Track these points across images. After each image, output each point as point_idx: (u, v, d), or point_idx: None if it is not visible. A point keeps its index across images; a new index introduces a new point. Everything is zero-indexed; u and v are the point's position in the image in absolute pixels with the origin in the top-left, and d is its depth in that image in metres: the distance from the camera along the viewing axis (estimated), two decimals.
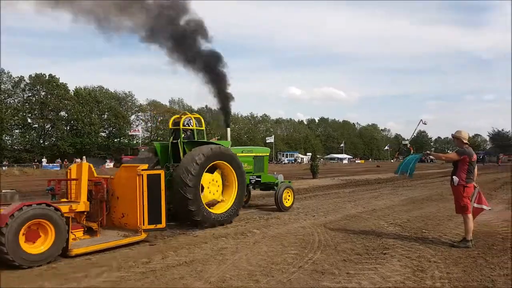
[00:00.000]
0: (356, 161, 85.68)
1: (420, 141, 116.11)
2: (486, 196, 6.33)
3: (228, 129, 9.28)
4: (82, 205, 5.47)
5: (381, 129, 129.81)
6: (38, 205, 4.54)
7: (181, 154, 7.27)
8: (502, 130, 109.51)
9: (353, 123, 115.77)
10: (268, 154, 9.37)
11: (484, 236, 6.33)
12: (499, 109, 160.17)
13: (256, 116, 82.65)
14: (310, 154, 72.48)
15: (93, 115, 53.35)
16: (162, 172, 5.70)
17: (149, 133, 61.09)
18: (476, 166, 5.79)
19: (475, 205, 5.77)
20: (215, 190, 7.15)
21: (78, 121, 51.68)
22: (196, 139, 7.54)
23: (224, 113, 9.32)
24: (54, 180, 6.03)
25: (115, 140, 56.45)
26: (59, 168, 36.74)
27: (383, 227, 7.18)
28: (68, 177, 5.91)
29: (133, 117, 61.29)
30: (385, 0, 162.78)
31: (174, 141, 7.51)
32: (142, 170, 5.47)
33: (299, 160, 66.37)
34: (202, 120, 7.83)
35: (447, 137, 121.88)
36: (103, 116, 56.02)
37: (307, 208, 9.49)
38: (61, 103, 50.69)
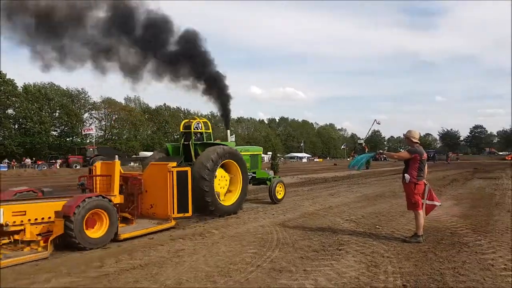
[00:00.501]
0: (315, 160, 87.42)
1: (375, 140, 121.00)
2: (436, 193, 6.62)
3: (228, 131, 10.60)
4: (118, 198, 6.38)
5: (338, 129, 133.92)
6: (96, 197, 5.49)
7: (192, 154, 8.48)
8: (451, 130, 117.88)
9: (312, 123, 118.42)
10: (261, 152, 10.38)
11: (434, 231, 6.59)
12: (448, 110, 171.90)
13: (217, 115, 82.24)
14: (270, 153, 73.58)
15: (44, 113, 50.96)
16: (189, 169, 6.87)
17: (103, 131, 59.39)
18: (426, 164, 6.01)
19: (427, 202, 5.98)
20: (224, 185, 8.34)
21: (27, 119, 48.93)
22: (205, 141, 8.76)
23: (225, 117, 10.45)
24: (84, 176, 7.03)
25: (67, 139, 54.11)
26: (6, 169, 34.02)
27: (339, 224, 7.29)
28: (94, 173, 6.89)
29: (86, 115, 58.56)
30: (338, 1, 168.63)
31: (185, 142, 8.71)
32: (172, 167, 6.66)
33: None
34: (209, 124, 9.11)
35: (399, 137, 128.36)
36: (54, 114, 53.72)
37: (267, 207, 9.49)
38: (8, 100, 47.87)
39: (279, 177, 10.61)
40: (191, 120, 8.87)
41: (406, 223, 7.32)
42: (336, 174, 24.48)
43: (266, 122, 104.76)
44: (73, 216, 5.16)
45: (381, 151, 8.21)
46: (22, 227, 5.13)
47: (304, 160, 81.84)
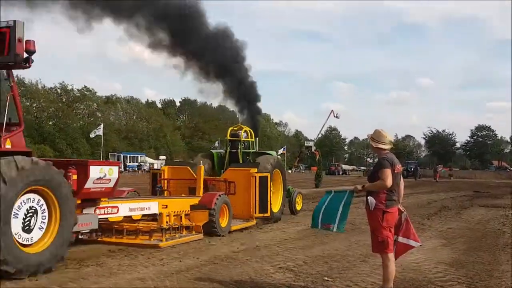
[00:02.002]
0: None
1: (330, 143, 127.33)
2: (415, 226, 7.04)
3: (257, 138, 16.37)
4: (196, 199, 11.37)
5: (276, 123, 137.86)
6: (223, 195, 11.34)
7: (241, 160, 14.60)
8: (443, 131, 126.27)
9: (233, 111, 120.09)
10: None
11: (411, 285, 6.99)
12: (439, 100, 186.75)
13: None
14: (164, 157, 72.65)
15: None
16: (268, 174, 12.88)
17: None
18: (402, 181, 6.36)
19: (400, 239, 6.28)
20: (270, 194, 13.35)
21: None
22: (251, 150, 15.24)
23: (255, 128, 16.50)
24: (162, 179, 13.10)
25: None
26: None
27: (268, 275, 7.46)
28: (163, 177, 13.22)
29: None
30: None
31: (233, 150, 14.79)
32: (255, 172, 12.43)
33: (146, 167, 65.67)
34: (252, 133, 15.44)
35: (366, 139, 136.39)
36: None
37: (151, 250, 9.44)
38: None
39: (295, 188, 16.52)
40: (236, 128, 15.46)
41: (369, 272, 7.70)
42: None
43: (159, 105, 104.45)
44: (214, 208, 10.78)
45: (358, 186, 8.33)
46: (167, 217, 9.99)
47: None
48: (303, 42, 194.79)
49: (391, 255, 6.12)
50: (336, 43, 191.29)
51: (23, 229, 6.92)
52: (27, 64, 7.45)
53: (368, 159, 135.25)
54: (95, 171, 8.48)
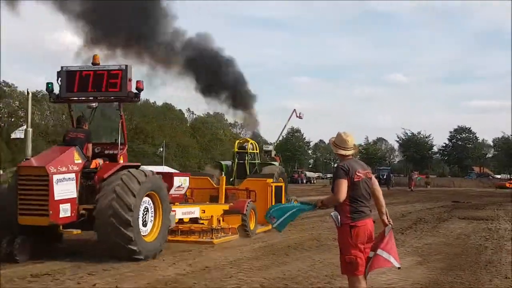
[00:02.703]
0: None
1: (292, 147, 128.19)
2: None
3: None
4: (226, 206, 14.80)
5: (229, 123, 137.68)
6: (251, 202, 15.11)
7: (248, 171, 18.69)
8: (419, 133, 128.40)
9: (180, 110, 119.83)
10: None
11: None
12: (414, 98, 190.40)
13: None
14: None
15: None
16: (283, 184, 17.79)
17: None
18: (377, 189, 6.39)
19: (380, 251, 6.23)
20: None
21: None
22: (257, 161, 19.81)
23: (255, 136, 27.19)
24: (191, 188, 14.86)
25: None
26: None
27: None
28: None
29: None
30: None
31: (240, 161, 18.93)
32: (271, 182, 16.34)
33: None
34: (257, 145, 19.92)
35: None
36: None
37: (78, 268, 9.30)
38: None
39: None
40: (242, 142, 20.68)
41: None
42: None
43: None
44: (245, 213, 14.18)
45: (321, 202, 9.25)
46: (203, 220, 13.49)
47: None
48: (259, 31, 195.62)
49: (362, 279, 6.08)
50: (297, 33, 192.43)
51: (142, 224, 10.53)
52: (137, 99, 11.29)
53: (336, 165, 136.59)
54: (177, 181, 12.50)
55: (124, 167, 10.60)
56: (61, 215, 9.82)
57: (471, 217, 22.00)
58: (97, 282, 8.41)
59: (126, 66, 10.92)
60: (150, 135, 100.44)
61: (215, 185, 16.25)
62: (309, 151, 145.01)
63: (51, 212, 9.66)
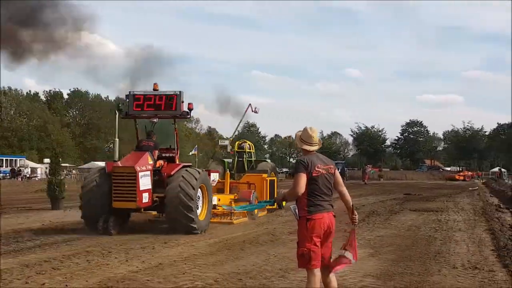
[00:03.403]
0: None
1: (250, 141, 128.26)
2: (342, 235, 7.18)
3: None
4: (232, 195, 18.25)
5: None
6: (254, 192, 18.82)
7: (246, 167, 23.01)
8: (372, 127, 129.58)
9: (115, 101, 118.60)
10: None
11: None
12: (368, 92, 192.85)
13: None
14: (48, 160, 70.50)
15: None
16: (275, 178, 22.42)
17: None
18: (340, 183, 6.51)
19: (343, 252, 6.38)
20: None
21: None
22: (253, 158, 24.10)
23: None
24: None
25: None
26: None
27: None
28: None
29: None
30: None
31: (240, 159, 23.25)
32: (267, 177, 21.11)
33: (27, 173, 63.54)
34: (253, 145, 24.66)
35: (290, 137, 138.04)
36: None
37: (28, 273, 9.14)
38: None
39: None
40: (240, 142, 24.09)
41: None
42: None
43: (43, 98, 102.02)
44: (251, 200, 17.73)
45: (281, 196, 10.39)
46: (218, 207, 16.32)
47: None
48: (216, 26, 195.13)
49: (316, 272, 6.16)
50: (254, 30, 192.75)
51: (196, 207, 14.08)
52: (188, 117, 15.71)
53: (292, 159, 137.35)
54: (212, 176, 16.71)
55: (183, 166, 14.61)
56: (143, 201, 13.70)
57: (421, 209, 22.48)
58: (45, 281, 8.30)
59: (180, 91, 14.99)
60: (102, 131, 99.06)
61: (220, 180, 19.16)
62: (265, 146, 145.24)
63: (137, 198, 13.51)
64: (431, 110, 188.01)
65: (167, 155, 15.60)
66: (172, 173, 14.28)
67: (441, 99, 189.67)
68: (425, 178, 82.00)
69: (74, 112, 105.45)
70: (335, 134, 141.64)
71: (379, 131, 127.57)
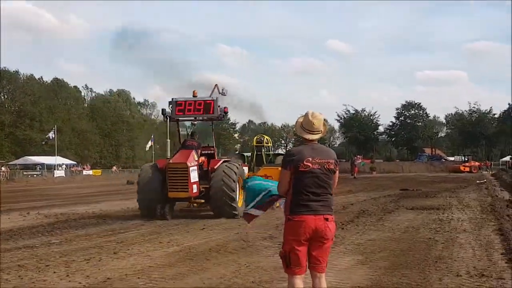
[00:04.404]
0: (86, 171, 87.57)
1: (215, 129, 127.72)
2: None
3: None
4: None
5: (138, 103, 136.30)
6: None
7: (265, 160, 29.52)
8: (363, 110, 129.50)
9: (75, 87, 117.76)
10: None
11: None
12: (355, 68, 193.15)
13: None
14: None
15: None
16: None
17: None
18: (333, 180, 6.59)
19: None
20: None
21: None
22: (270, 152, 32.27)
23: None
24: None
25: None
26: None
27: None
28: None
29: None
30: None
31: (258, 152, 30.37)
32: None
33: None
34: (270, 139, 32.90)
35: (264, 123, 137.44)
36: None
37: None
38: None
39: None
40: (259, 137, 31.99)
41: None
42: (130, 204, 25.28)
43: None
44: None
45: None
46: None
47: (59, 172, 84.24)
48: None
49: (297, 280, 6.31)
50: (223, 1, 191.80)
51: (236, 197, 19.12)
52: (224, 119, 22.14)
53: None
54: (244, 170, 21.88)
55: (224, 161, 19.97)
56: (193, 191, 18.89)
57: (420, 207, 22.69)
58: None
59: (217, 98, 20.89)
60: (37, 119, 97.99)
61: None
62: (235, 135, 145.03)
63: (189, 189, 18.69)
64: (430, 89, 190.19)
65: (207, 152, 21.06)
66: (215, 167, 19.62)
67: (441, 76, 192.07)
68: (425, 170, 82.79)
69: (2, 97, 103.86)
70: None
71: (371, 115, 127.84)
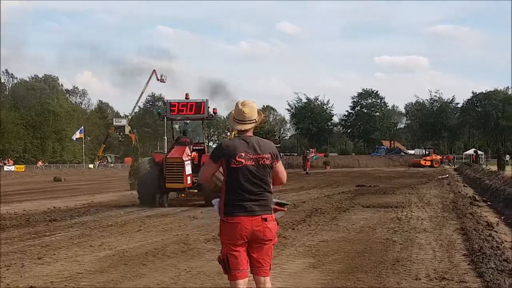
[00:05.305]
0: (8, 166, 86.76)
1: (153, 120, 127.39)
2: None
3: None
4: None
5: (66, 90, 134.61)
6: None
7: None
8: (316, 99, 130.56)
9: None
10: None
11: None
12: (306, 52, 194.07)
13: None
14: None
15: None
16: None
17: None
18: (282, 178, 6.69)
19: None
20: None
21: None
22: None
23: None
24: None
25: None
26: None
27: None
28: None
29: None
30: None
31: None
32: None
33: None
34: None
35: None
36: None
37: None
38: None
39: None
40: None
41: None
42: (56, 203, 25.05)
43: None
44: None
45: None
46: None
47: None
48: None
49: (239, 285, 6.34)
50: None
51: None
52: (213, 119, 28.00)
53: (211, 143, 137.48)
54: None
55: None
56: (188, 182, 22.67)
57: (377, 204, 23.02)
58: None
59: (207, 99, 25.14)
60: None
61: None
62: (176, 126, 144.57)
63: (184, 180, 22.49)
64: (389, 76, 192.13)
65: (198, 147, 25.08)
66: (203, 162, 22.04)
67: (400, 62, 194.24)
68: (383, 164, 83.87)
69: None
70: (267, 108, 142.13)
71: (324, 104, 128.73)
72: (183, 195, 25.82)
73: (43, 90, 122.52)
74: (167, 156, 23.46)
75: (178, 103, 25.38)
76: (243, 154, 6.35)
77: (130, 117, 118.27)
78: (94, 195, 31.74)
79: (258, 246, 6.39)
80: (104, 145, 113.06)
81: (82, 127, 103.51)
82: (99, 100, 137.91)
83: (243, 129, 6.53)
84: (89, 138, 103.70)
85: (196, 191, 23.90)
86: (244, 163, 6.35)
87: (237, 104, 6.66)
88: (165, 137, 28.88)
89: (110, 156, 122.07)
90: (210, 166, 6.58)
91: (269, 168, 6.48)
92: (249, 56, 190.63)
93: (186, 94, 25.68)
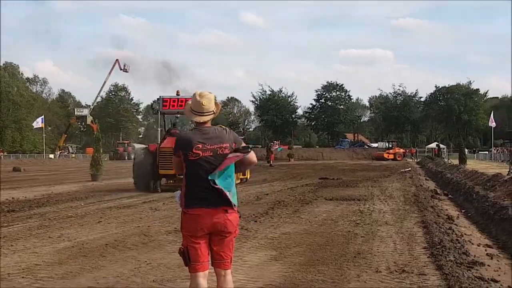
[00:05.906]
0: None
1: (115, 110, 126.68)
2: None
3: None
4: None
5: (27, 78, 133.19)
6: None
7: None
8: (280, 91, 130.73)
9: None
10: None
11: None
12: (269, 43, 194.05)
13: None
14: None
15: None
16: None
17: None
18: (251, 160, 6.73)
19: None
20: None
21: None
22: None
23: None
24: None
25: None
26: None
27: None
28: None
29: None
30: None
31: None
32: None
33: None
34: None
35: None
36: None
37: None
38: None
39: None
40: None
41: None
42: (25, 194, 24.82)
43: None
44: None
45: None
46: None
47: None
48: None
49: (200, 277, 6.35)
50: None
51: None
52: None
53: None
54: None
55: None
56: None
57: (340, 197, 23.21)
58: None
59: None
60: None
61: None
62: (139, 117, 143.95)
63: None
64: (353, 68, 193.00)
65: None
66: None
67: (364, 55, 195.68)
68: (346, 157, 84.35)
69: None
70: (231, 100, 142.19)
71: (288, 96, 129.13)
72: (171, 181, 28.71)
73: (2, 78, 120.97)
74: (161, 146, 26.55)
75: (170, 98, 28.84)
76: (200, 146, 6.34)
77: (92, 107, 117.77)
78: (54, 185, 31.42)
79: (219, 239, 6.40)
80: (65, 135, 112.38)
81: (42, 116, 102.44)
82: (61, 89, 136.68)
83: (201, 121, 6.51)
84: (50, 128, 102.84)
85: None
86: (201, 154, 6.33)
87: (194, 95, 6.62)
88: (159, 129, 31.66)
89: (71, 146, 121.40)
90: (174, 160, 6.64)
91: (229, 158, 6.46)
92: (212, 46, 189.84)
93: (177, 91, 28.96)
